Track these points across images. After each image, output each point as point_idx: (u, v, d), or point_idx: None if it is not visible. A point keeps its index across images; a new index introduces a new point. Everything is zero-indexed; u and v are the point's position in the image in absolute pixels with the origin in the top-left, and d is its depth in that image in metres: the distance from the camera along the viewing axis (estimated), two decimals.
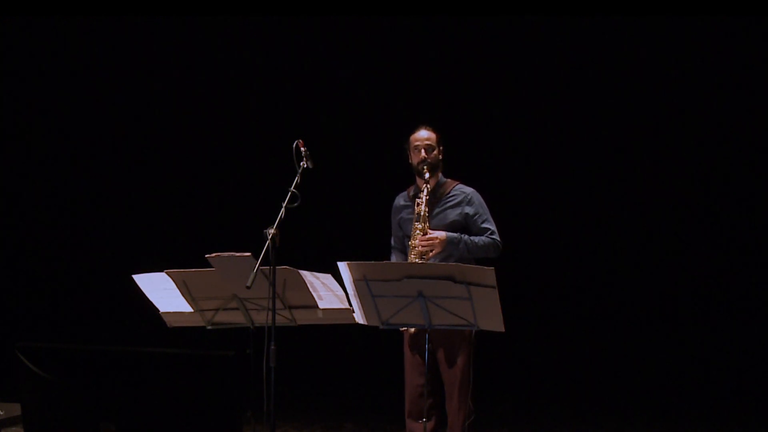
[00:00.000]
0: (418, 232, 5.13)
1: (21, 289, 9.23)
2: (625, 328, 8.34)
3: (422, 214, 5.14)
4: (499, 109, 8.46)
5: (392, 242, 5.43)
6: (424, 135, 5.27)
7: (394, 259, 5.36)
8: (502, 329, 4.60)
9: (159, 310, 4.98)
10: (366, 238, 6.22)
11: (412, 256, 5.11)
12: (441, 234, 5.13)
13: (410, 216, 5.24)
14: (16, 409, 5.79)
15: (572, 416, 7.91)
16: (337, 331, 5.47)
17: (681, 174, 8.32)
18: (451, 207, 5.25)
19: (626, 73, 8.28)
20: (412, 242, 5.13)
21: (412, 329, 5.13)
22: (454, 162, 5.44)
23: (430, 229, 5.16)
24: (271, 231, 4.46)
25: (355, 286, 4.62)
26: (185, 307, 4.86)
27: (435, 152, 5.25)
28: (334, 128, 8.46)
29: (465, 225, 5.22)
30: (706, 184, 8.27)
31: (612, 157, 8.38)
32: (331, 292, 4.69)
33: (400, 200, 5.41)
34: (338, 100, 8.67)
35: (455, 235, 5.15)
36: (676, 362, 8.24)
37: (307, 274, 4.62)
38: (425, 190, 5.16)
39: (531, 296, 8.30)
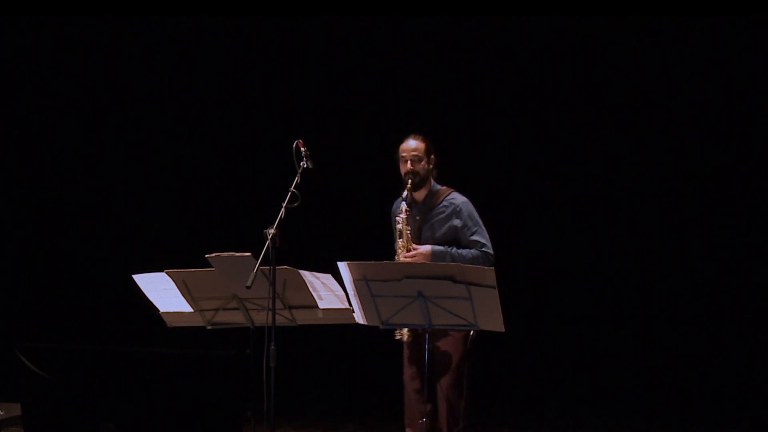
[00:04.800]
0: (400, 249, 5.08)
1: (21, 289, 9.22)
2: (625, 328, 8.33)
3: (404, 232, 5.08)
4: (500, 109, 8.44)
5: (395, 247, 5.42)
6: (411, 145, 5.18)
7: None
8: (503, 329, 4.60)
9: (159, 310, 4.98)
10: (366, 238, 6.22)
11: None
12: (426, 248, 5.06)
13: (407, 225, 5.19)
14: (16, 409, 5.79)
15: (572, 416, 7.91)
16: (337, 331, 5.47)
17: (680, 175, 8.31)
18: (440, 221, 5.16)
19: (623, 76, 8.26)
20: (397, 258, 5.08)
21: (406, 338, 5.10)
22: (450, 165, 5.41)
23: (414, 242, 5.10)
24: (271, 231, 4.47)
25: (355, 286, 4.62)
26: (185, 307, 4.87)
27: (423, 163, 5.15)
28: (334, 128, 8.45)
29: (455, 238, 5.14)
30: (705, 185, 8.26)
31: (610, 159, 8.36)
32: (331, 292, 4.70)
33: (397, 206, 5.37)
34: (338, 100, 8.66)
35: (441, 248, 5.06)
36: (676, 362, 8.24)
37: (307, 274, 4.63)
38: (403, 206, 5.08)
39: (531, 296, 8.29)
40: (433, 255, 5.03)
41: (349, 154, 8.39)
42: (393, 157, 5.33)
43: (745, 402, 7.94)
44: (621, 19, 8.04)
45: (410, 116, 5.48)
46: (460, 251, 5.07)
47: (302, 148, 4.71)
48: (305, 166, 4.70)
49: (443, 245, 5.09)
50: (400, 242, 5.08)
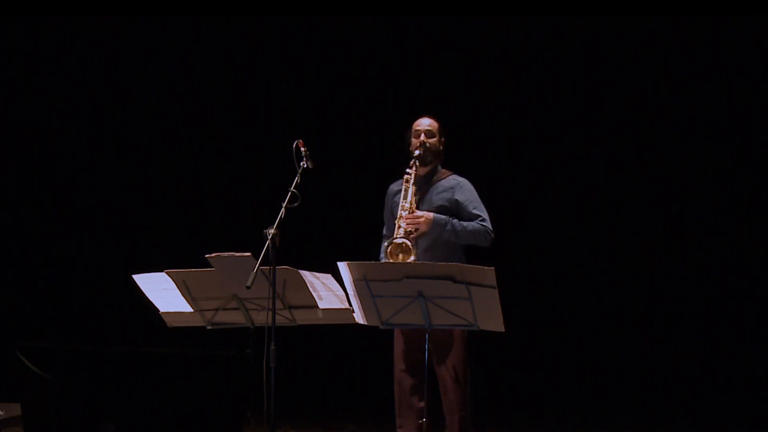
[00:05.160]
0: (405, 210, 5.10)
1: (21, 289, 9.22)
2: (625, 328, 8.34)
3: (410, 192, 5.11)
4: (500, 108, 8.45)
5: (384, 231, 5.41)
6: (426, 122, 5.31)
7: (383, 246, 5.31)
8: (503, 329, 4.60)
9: (159, 310, 4.98)
10: (366, 238, 6.22)
11: (396, 240, 5.05)
12: (428, 214, 5.10)
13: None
14: (16, 409, 5.78)
15: (572, 416, 7.90)
16: (337, 331, 5.46)
17: (681, 175, 8.31)
18: (440, 193, 5.23)
19: (623, 76, 8.27)
20: (398, 221, 5.11)
21: None
22: (454, 159, 5.44)
23: (418, 210, 5.15)
24: (271, 231, 4.47)
25: (355, 286, 4.62)
26: (185, 307, 4.86)
27: (435, 139, 5.26)
28: (334, 128, 8.45)
29: (455, 212, 5.18)
30: (705, 185, 8.26)
31: (612, 157, 8.37)
32: (331, 292, 4.69)
33: (395, 187, 5.38)
34: (338, 99, 8.66)
35: (443, 217, 5.11)
36: (675, 363, 8.24)
37: (307, 274, 4.63)
38: (414, 168, 5.13)
39: (531, 296, 8.29)
40: (435, 222, 5.08)
41: (349, 154, 8.39)
42: (393, 157, 5.34)
43: (745, 402, 7.94)
44: (621, 19, 8.05)
45: (410, 116, 5.48)
46: (461, 222, 5.14)
47: (302, 148, 4.72)
48: (305, 166, 4.70)
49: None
50: (404, 204, 5.09)
